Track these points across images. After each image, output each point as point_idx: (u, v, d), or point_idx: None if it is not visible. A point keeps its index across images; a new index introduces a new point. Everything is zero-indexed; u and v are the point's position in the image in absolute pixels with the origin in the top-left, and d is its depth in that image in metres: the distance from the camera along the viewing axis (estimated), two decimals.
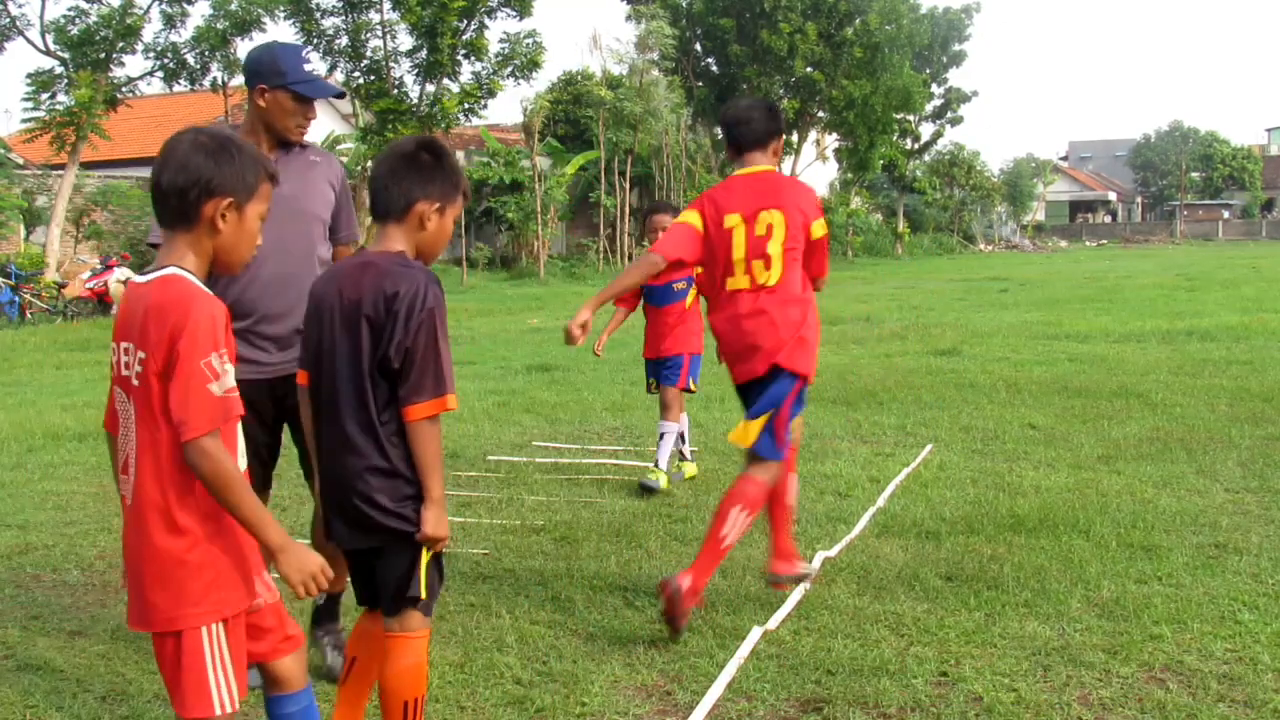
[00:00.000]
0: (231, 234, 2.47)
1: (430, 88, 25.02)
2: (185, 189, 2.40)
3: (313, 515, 4.04)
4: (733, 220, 4.32)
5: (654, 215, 7.01)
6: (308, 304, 2.97)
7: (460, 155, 33.69)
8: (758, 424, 4.39)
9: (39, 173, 25.56)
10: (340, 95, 4.32)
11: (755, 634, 4.14)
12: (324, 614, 4.05)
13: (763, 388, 4.42)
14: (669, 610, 4.06)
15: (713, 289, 4.49)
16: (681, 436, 6.88)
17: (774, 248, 4.29)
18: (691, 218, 4.41)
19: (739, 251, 4.31)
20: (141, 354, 2.37)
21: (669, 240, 4.41)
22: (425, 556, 2.88)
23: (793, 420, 4.44)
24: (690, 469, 6.91)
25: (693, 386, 6.95)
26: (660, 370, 6.87)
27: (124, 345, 2.43)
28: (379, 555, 2.90)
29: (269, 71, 3.76)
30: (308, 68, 3.83)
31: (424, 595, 2.88)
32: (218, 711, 2.42)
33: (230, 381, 2.37)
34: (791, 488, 4.74)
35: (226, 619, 2.44)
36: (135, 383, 2.39)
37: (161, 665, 2.48)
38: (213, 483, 2.35)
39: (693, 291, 6.75)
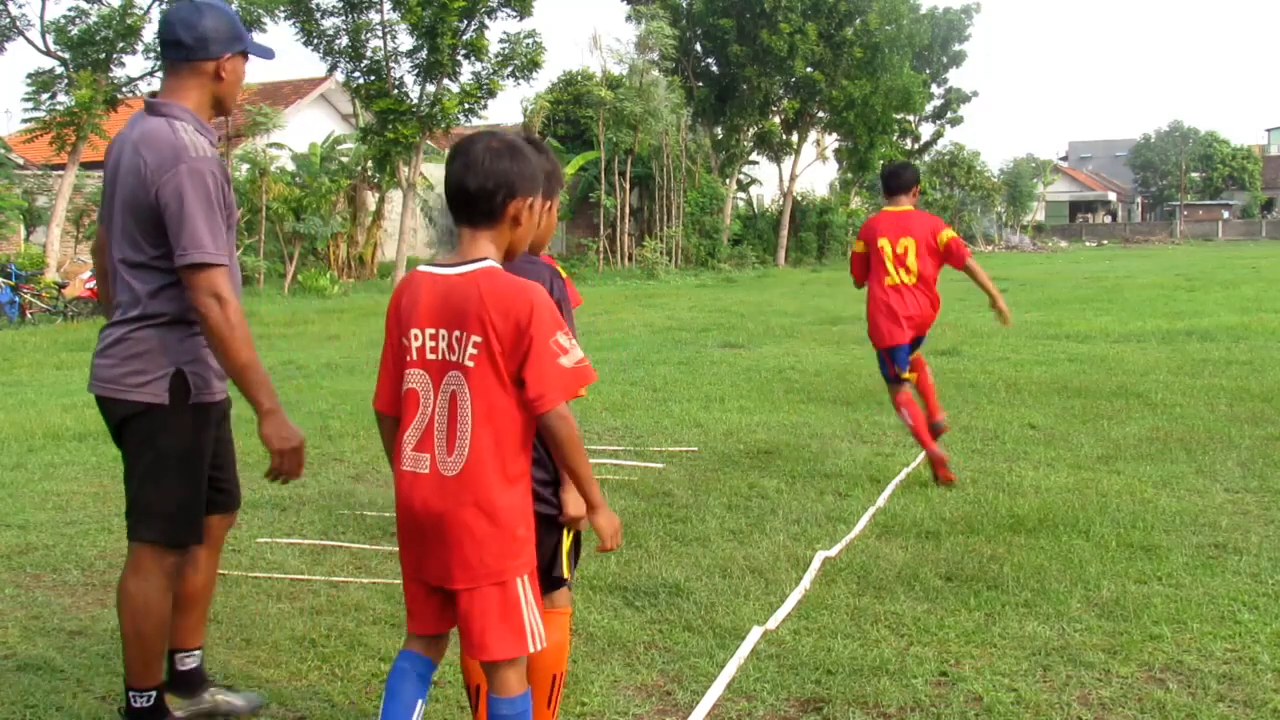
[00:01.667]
0: (528, 225, 2.79)
1: (430, 88, 24.98)
2: (492, 192, 2.69)
3: None
4: (883, 242, 6.78)
5: None
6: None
7: None
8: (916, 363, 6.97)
9: (39, 173, 25.57)
10: (272, 57, 3.65)
11: (755, 634, 4.15)
12: (196, 678, 3.57)
13: (913, 345, 6.93)
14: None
15: (877, 283, 6.84)
16: None
17: (910, 261, 6.74)
18: (858, 246, 7.04)
19: (890, 262, 6.77)
20: (476, 338, 2.63)
21: (855, 269, 7.12)
22: (567, 538, 3.06)
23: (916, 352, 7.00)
24: None
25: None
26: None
27: (430, 331, 2.69)
28: None
29: (231, 36, 3.33)
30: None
31: (567, 574, 3.08)
32: (533, 648, 2.72)
33: (578, 354, 2.67)
34: (927, 371, 7.05)
35: (533, 570, 2.75)
36: (469, 364, 2.64)
37: (475, 618, 2.69)
38: (568, 444, 2.66)
39: None
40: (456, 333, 2.67)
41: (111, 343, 3.26)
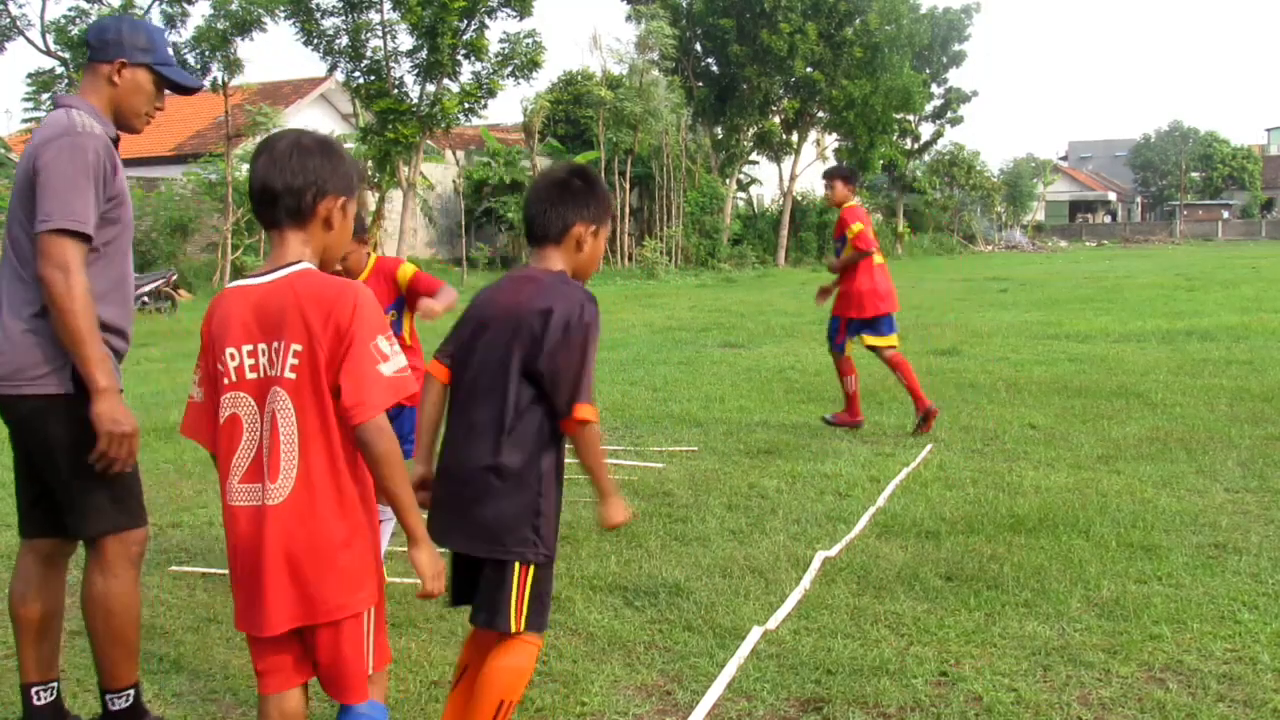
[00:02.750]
0: (341, 231, 2.64)
1: (430, 88, 25.00)
2: (302, 189, 2.54)
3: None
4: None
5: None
6: (469, 307, 3.03)
7: (460, 155, 33.72)
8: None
9: None
10: (197, 90, 3.69)
11: (755, 634, 4.15)
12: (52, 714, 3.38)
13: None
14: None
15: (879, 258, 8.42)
16: None
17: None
18: (866, 224, 8.39)
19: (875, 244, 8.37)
20: (297, 345, 2.45)
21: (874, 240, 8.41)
22: (520, 582, 2.87)
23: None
24: None
25: None
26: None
27: (248, 348, 2.49)
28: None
29: (129, 45, 3.26)
30: (170, 52, 3.42)
31: (515, 627, 2.87)
32: (370, 671, 2.56)
33: (401, 361, 2.50)
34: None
35: (379, 603, 2.57)
36: (290, 375, 2.45)
37: (322, 658, 2.54)
38: (386, 462, 2.46)
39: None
40: (275, 344, 2.47)
41: (4, 338, 3.13)
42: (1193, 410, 8.68)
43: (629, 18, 34.75)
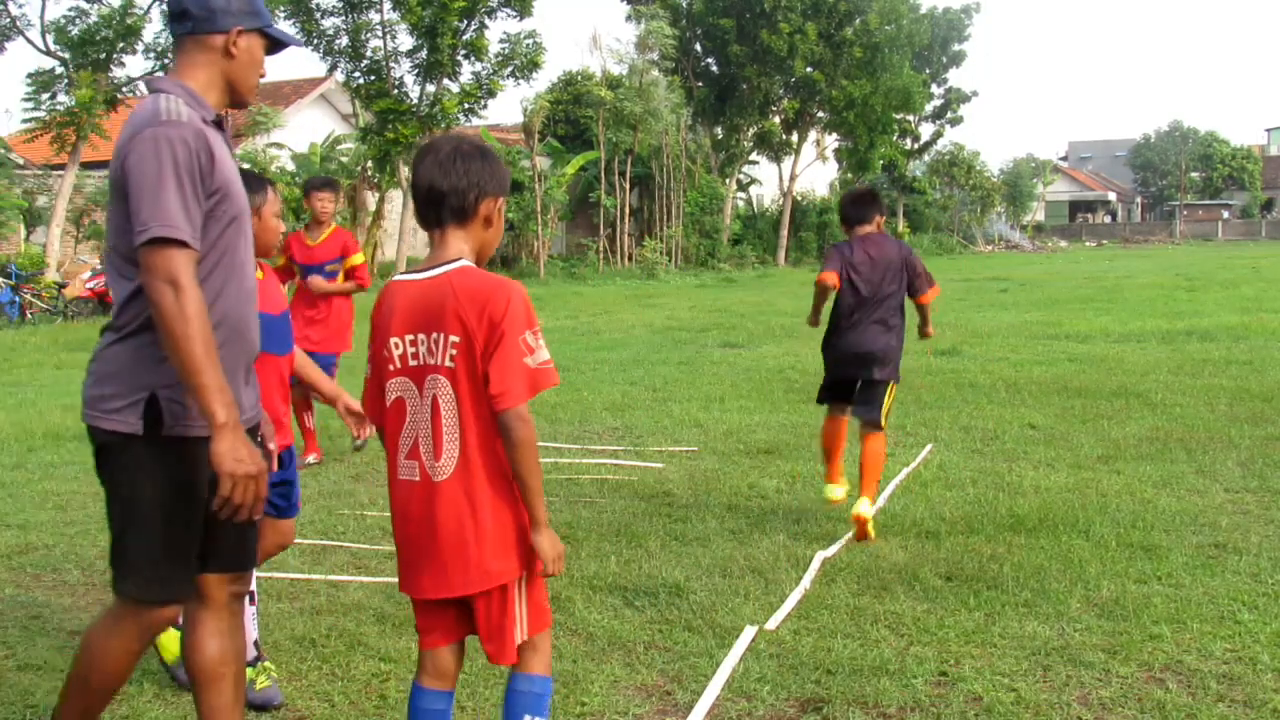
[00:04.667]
0: (497, 229, 2.81)
1: (430, 88, 25.01)
2: (465, 190, 2.70)
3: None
4: None
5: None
6: None
7: None
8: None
9: (39, 173, 25.57)
10: (297, 46, 3.25)
11: (749, 633, 4.15)
12: None
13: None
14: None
15: None
16: None
17: None
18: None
19: None
20: (454, 337, 2.63)
21: None
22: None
23: None
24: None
25: None
26: None
27: (410, 337, 2.69)
28: None
29: (246, 9, 2.86)
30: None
31: (520, 637, 2.87)
32: (519, 639, 2.72)
33: (545, 355, 2.66)
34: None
35: (532, 570, 2.72)
36: (449, 364, 2.64)
37: (477, 620, 2.71)
38: (523, 447, 2.63)
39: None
40: (435, 335, 2.66)
41: (93, 360, 2.80)
42: (1193, 410, 8.68)
43: (629, 18, 34.78)
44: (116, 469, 2.75)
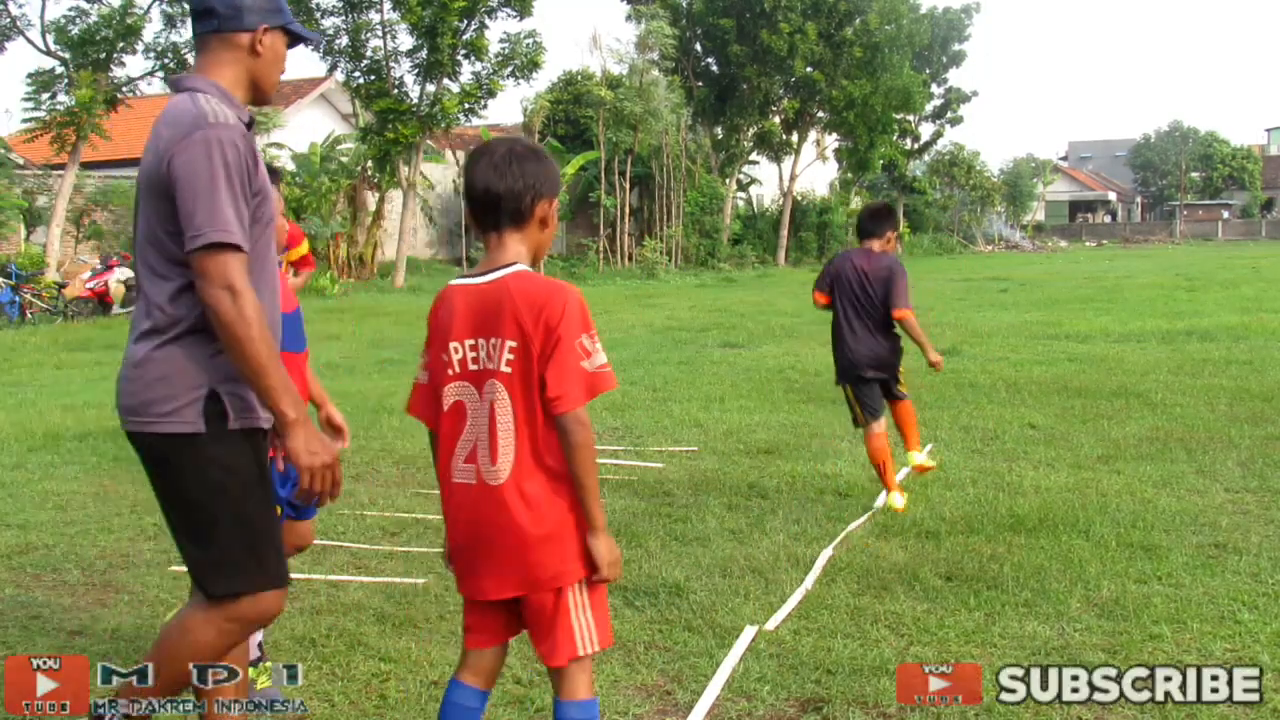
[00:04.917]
0: (552, 229, 2.81)
1: (430, 88, 25.02)
2: (521, 193, 2.70)
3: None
4: None
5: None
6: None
7: (460, 155, 33.72)
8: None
9: (39, 173, 25.55)
10: (315, 43, 3.31)
11: (749, 633, 4.15)
12: None
13: None
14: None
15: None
16: None
17: None
18: None
19: None
20: (511, 342, 2.65)
21: None
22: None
23: None
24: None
25: None
26: None
27: (470, 342, 2.70)
28: None
29: (270, 6, 2.86)
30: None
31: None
32: (583, 651, 2.71)
33: (601, 359, 2.67)
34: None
35: (586, 575, 2.71)
36: (506, 369, 2.66)
37: (528, 621, 2.73)
38: (582, 449, 2.64)
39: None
40: (493, 340, 2.68)
41: (132, 365, 2.76)
42: (1193, 410, 8.67)
43: (629, 18, 34.77)
44: (187, 472, 2.74)
